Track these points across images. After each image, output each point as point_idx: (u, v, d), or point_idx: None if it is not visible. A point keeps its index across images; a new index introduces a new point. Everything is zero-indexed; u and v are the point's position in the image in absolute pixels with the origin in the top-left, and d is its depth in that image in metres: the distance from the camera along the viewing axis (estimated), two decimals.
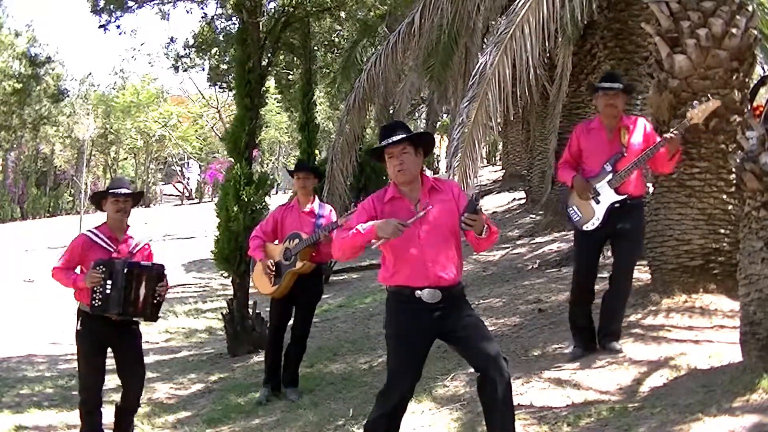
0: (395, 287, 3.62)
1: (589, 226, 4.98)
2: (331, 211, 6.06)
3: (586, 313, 5.13)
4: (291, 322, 6.03)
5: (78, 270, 4.82)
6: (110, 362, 4.97)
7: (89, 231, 4.86)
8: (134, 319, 4.83)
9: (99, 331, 4.72)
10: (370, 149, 3.81)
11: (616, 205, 4.91)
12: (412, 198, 3.63)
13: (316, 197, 6.08)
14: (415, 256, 3.52)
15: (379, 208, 3.64)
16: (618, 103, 4.98)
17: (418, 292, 3.52)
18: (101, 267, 4.62)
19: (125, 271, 4.65)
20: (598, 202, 4.94)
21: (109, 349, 4.87)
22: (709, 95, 5.24)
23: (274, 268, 5.77)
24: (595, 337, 5.10)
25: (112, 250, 4.75)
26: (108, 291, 4.60)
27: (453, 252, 3.60)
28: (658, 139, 5.02)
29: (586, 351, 5.04)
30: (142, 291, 4.72)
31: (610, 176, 4.91)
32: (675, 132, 4.92)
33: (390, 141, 3.58)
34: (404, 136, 3.60)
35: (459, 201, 3.62)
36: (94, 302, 4.62)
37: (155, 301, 4.82)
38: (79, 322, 4.79)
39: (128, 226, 4.92)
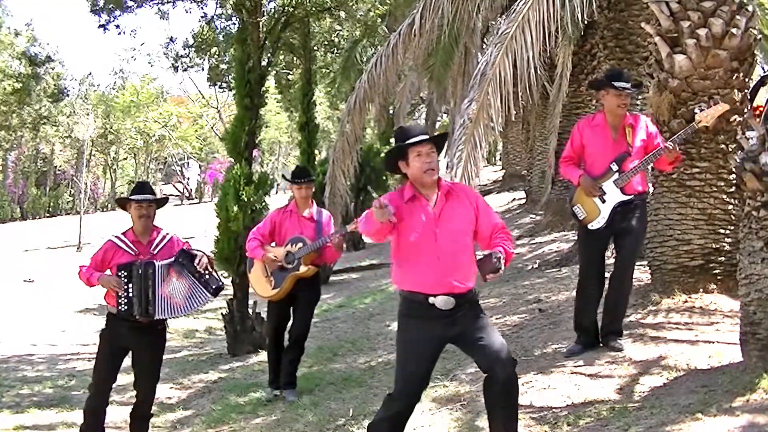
0: (408, 293, 3.57)
1: (595, 225, 4.99)
2: (329, 217, 6.05)
3: (591, 310, 5.12)
4: (290, 323, 6.03)
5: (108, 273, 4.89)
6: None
7: (115, 236, 4.94)
8: (167, 318, 4.88)
9: (122, 333, 4.82)
10: (395, 148, 3.67)
11: (621, 205, 4.92)
12: (429, 198, 3.60)
13: (314, 203, 6.06)
14: (431, 261, 3.47)
15: (398, 206, 3.57)
16: (629, 102, 5.02)
17: (432, 299, 3.48)
18: (122, 271, 4.73)
19: (139, 272, 4.73)
20: (603, 201, 4.95)
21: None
22: (717, 97, 5.22)
23: (281, 261, 5.73)
24: (597, 335, 5.10)
25: (133, 254, 4.83)
26: (130, 294, 4.71)
27: (469, 258, 3.56)
28: (659, 139, 5.03)
29: (585, 349, 5.05)
30: (180, 284, 4.78)
31: (616, 176, 4.92)
32: (675, 141, 4.92)
33: (423, 138, 3.55)
34: (435, 135, 3.65)
35: (478, 209, 3.61)
36: (120, 306, 4.74)
37: (207, 277, 4.89)
38: (106, 323, 4.91)
39: (155, 228, 4.96)
